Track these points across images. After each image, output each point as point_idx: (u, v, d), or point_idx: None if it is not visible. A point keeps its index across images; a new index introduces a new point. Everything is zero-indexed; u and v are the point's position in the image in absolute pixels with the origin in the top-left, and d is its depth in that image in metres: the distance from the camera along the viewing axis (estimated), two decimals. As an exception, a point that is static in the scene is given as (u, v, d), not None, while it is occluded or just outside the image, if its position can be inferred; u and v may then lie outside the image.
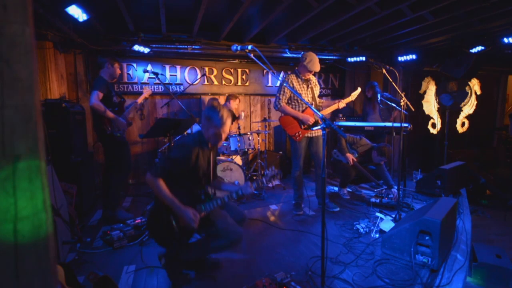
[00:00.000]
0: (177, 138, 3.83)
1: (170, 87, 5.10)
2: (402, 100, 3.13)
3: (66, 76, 4.36)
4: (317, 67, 3.12)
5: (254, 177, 4.96)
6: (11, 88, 0.49)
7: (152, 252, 2.53)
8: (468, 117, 5.89)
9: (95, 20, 3.67)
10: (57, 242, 2.14)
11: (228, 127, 2.05)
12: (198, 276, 2.16)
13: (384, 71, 3.39)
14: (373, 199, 3.63)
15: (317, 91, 3.39)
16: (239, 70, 5.56)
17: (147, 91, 3.52)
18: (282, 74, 5.79)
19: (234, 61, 5.48)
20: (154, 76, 3.65)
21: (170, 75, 5.12)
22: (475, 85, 5.70)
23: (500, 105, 7.16)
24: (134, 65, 4.91)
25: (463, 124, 5.96)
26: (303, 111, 3.27)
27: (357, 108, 6.36)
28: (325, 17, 3.88)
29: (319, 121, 1.82)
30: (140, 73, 4.93)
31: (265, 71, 5.70)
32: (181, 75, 5.19)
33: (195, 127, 4.14)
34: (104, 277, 1.73)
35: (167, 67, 5.10)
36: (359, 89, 3.43)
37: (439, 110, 5.84)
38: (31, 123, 0.52)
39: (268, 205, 3.84)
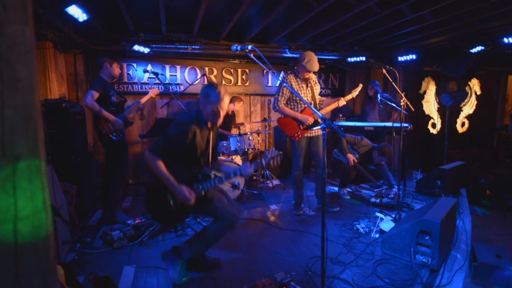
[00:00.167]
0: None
1: (170, 87, 5.10)
2: (402, 100, 3.12)
3: (66, 76, 4.36)
4: (315, 67, 3.11)
5: (254, 177, 4.96)
6: (11, 88, 0.49)
7: (152, 252, 2.54)
8: (468, 117, 5.90)
9: (95, 20, 3.67)
10: (57, 242, 2.14)
11: (226, 104, 2.03)
12: (198, 276, 2.16)
13: (384, 71, 3.39)
14: (373, 199, 3.63)
15: (317, 89, 3.37)
16: (239, 70, 5.56)
17: (153, 91, 3.45)
18: (282, 74, 5.79)
19: (234, 61, 5.48)
20: (154, 76, 3.64)
21: (170, 75, 5.12)
22: (475, 85, 5.71)
23: (500, 105, 7.16)
24: (134, 65, 4.91)
25: (463, 124, 5.97)
26: (302, 111, 3.26)
27: (356, 108, 6.36)
28: (325, 17, 3.88)
29: (319, 121, 1.81)
30: (140, 73, 4.93)
31: (265, 71, 5.71)
32: (181, 75, 5.19)
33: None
34: (104, 277, 1.73)
35: (167, 67, 5.10)
36: (360, 86, 3.40)
37: (439, 110, 5.84)
38: (31, 123, 0.52)
39: (268, 205, 3.84)
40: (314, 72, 3.29)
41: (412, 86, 5.93)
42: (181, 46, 4.52)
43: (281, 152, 2.06)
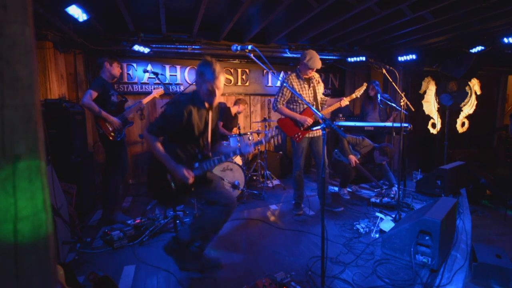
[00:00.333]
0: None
1: (170, 87, 5.10)
2: (402, 100, 3.12)
3: (66, 76, 4.36)
4: (318, 64, 3.07)
5: (254, 177, 4.96)
6: (11, 88, 0.49)
7: (152, 252, 2.54)
8: (468, 117, 5.90)
9: (95, 20, 3.67)
10: (57, 242, 2.14)
11: (222, 82, 2.00)
12: (198, 277, 2.16)
13: (384, 71, 3.39)
14: (373, 199, 3.63)
15: (320, 89, 3.33)
16: (239, 70, 5.56)
17: (157, 91, 3.44)
18: (282, 74, 5.79)
19: (234, 61, 5.49)
20: (154, 76, 3.63)
21: (170, 75, 5.12)
22: (475, 85, 5.71)
23: (500, 105, 7.16)
24: (134, 65, 4.91)
25: (463, 124, 5.97)
26: (302, 111, 3.25)
27: (356, 108, 6.36)
28: (325, 17, 3.88)
29: (320, 121, 1.81)
30: (140, 73, 4.94)
31: (265, 71, 5.71)
32: (181, 75, 5.20)
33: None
34: (104, 277, 1.73)
35: (167, 67, 5.10)
36: (365, 85, 3.34)
37: (439, 110, 5.85)
38: (31, 123, 0.52)
39: (268, 205, 3.84)
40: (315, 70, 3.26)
41: (412, 86, 5.93)
42: (181, 46, 4.52)
43: (281, 132, 2.06)
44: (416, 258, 2.25)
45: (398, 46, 5.16)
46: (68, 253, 2.49)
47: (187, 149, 2.06)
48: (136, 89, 4.95)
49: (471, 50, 4.54)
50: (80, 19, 3.09)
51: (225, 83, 5.46)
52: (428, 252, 2.20)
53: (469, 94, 5.66)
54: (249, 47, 1.97)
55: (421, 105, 5.91)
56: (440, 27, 4.03)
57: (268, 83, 5.83)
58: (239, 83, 5.59)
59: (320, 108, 3.32)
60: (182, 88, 5.14)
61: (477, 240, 3.02)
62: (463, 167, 4.04)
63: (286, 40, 4.96)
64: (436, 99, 5.80)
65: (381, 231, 2.85)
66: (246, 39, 4.61)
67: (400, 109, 3.17)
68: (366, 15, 3.70)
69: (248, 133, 4.33)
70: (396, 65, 5.24)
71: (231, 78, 5.52)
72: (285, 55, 5.08)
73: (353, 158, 3.85)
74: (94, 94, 2.90)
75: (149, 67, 4.41)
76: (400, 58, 5.07)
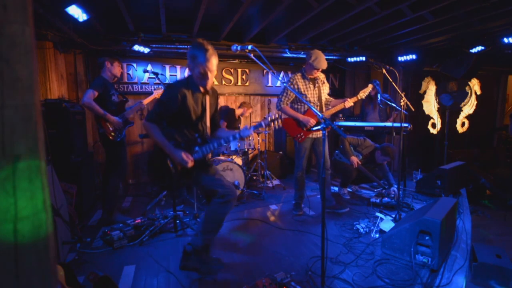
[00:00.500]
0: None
1: (170, 87, 5.10)
2: (402, 100, 3.12)
3: (66, 76, 4.36)
4: (324, 64, 3.06)
5: (254, 177, 4.96)
6: (11, 88, 0.49)
7: (152, 252, 2.54)
8: (468, 117, 5.90)
9: (95, 20, 3.67)
10: (57, 242, 2.14)
11: (214, 65, 1.99)
12: (198, 277, 2.16)
13: (384, 71, 3.39)
14: (373, 199, 3.63)
15: (325, 89, 3.32)
16: (239, 70, 5.56)
17: (158, 92, 3.43)
18: (282, 74, 5.79)
19: (234, 61, 5.49)
20: (154, 76, 3.62)
21: (170, 75, 5.12)
22: (475, 85, 5.71)
23: (500, 105, 7.16)
24: (134, 65, 4.91)
25: (463, 124, 5.97)
26: (305, 111, 3.23)
27: (356, 108, 6.36)
28: (325, 17, 3.88)
29: (321, 121, 1.80)
30: (140, 73, 4.94)
31: (265, 71, 5.71)
32: (181, 75, 5.19)
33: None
34: (104, 277, 1.73)
35: (167, 67, 5.10)
36: (370, 86, 3.33)
37: (439, 110, 5.85)
38: (31, 123, 0.52)
39: (268, 205, 3.84)
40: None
41: (412, 86, 5.93)
42: (181, 46, 4.52)
43: (282, 117, 2.05)
44: (416, 258, 2.25)
45: (398, 46, 5.16)
46: (68, 253, 2.49)
47: (185, 133, 2.07)
48: (136, 89, 4.95)
49: (471, 50, 4.54)
50: (80, 19, 3.09)
51: (225, 83, 5.47)
52: (428, 252, 2.20)
53: (469, 94, 5.66)
54: (249, 47, 1.97)
55: (421, 105, 5.91)
56: (440, 27, 4.03)
57: (268, 83, 5.82)
58: (239, 83, 5.59)
59: (324, 108, 3.31)
60: (182, 88, 5.14)
61: (477, 240, 3.03)
62: (463, 167, 4.04)
63: (286, 40, 4.96)
64: (436, 99, 5.80)
65: (381, 231, 2.85)
66: (246, 39, 4.61)
67: (400, 109, 3.16)
68: (366, 15, 3.70)
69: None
70: (396, 65, 5.24)
71: (231, 78, 5.52)
72: (285, 55, 5.08)
73: (355, 159, 3.84)
74: (95, 93, 2.89)
75: (149, 67, 4.40)
76: (400, 58, 5.07)
